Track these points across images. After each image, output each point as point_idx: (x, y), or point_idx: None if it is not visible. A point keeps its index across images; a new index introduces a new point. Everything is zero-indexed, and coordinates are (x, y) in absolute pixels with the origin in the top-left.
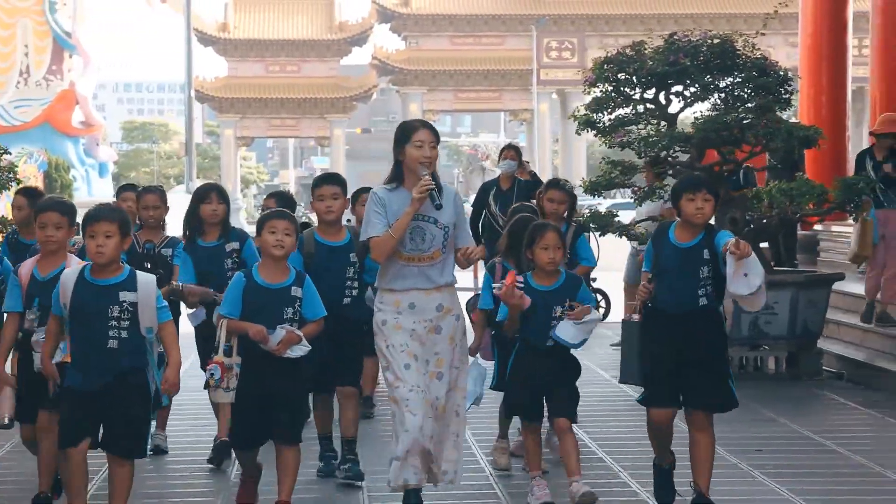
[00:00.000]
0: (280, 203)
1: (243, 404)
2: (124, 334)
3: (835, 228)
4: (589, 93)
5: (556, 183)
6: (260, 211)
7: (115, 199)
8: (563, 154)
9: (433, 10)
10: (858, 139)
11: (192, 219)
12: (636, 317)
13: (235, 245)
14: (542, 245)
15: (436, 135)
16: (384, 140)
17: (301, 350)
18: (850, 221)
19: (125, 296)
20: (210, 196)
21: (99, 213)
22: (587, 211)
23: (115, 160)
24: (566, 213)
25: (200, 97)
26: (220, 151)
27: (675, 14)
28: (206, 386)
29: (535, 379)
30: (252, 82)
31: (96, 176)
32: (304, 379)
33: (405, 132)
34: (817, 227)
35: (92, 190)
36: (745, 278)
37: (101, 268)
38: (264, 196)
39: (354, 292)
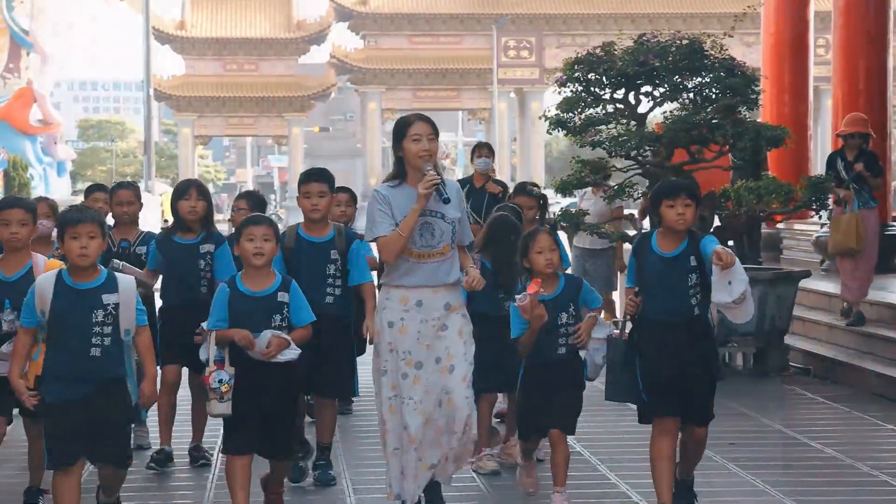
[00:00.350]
0: (251, 203)
1: (237, 414)
2: (106, 341)
3: (797, 227)
4: (560, 92)
5: (523, 188)
6: (228, 211)
7: (83, 201)
8: (521, 153)
9: (391, 9)
10: (816, 137)
11: (174, 215)
12: (624, 332)
13: (210, 248)
14: (537, 249)
15: (433, 127)
16: (342, 139)
17: (291, 354)
18: (816, 219)
19: (108, 298)
20: (189, 192)
21: (81, 215)
22: (555, 212)
23: (72, 158)
24: (537, 216)
25: (158, 95)
26: (178, 150)
27: (631, 13)
28: (209, 392)
29: (547, 398)
30: (210, 81)
31: (54, 174)
32: (297, 389)
33: (401, 127)
34: (780, 225)
35: (50, 188)
36: (729, 286)
37: (82, 270)
38: (231, 196)
39: (338, 291)
